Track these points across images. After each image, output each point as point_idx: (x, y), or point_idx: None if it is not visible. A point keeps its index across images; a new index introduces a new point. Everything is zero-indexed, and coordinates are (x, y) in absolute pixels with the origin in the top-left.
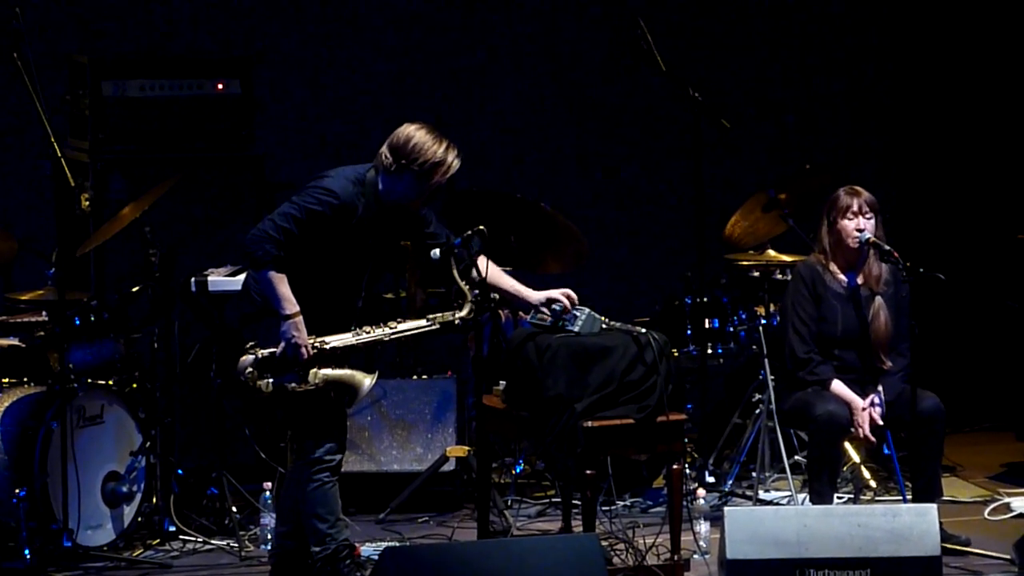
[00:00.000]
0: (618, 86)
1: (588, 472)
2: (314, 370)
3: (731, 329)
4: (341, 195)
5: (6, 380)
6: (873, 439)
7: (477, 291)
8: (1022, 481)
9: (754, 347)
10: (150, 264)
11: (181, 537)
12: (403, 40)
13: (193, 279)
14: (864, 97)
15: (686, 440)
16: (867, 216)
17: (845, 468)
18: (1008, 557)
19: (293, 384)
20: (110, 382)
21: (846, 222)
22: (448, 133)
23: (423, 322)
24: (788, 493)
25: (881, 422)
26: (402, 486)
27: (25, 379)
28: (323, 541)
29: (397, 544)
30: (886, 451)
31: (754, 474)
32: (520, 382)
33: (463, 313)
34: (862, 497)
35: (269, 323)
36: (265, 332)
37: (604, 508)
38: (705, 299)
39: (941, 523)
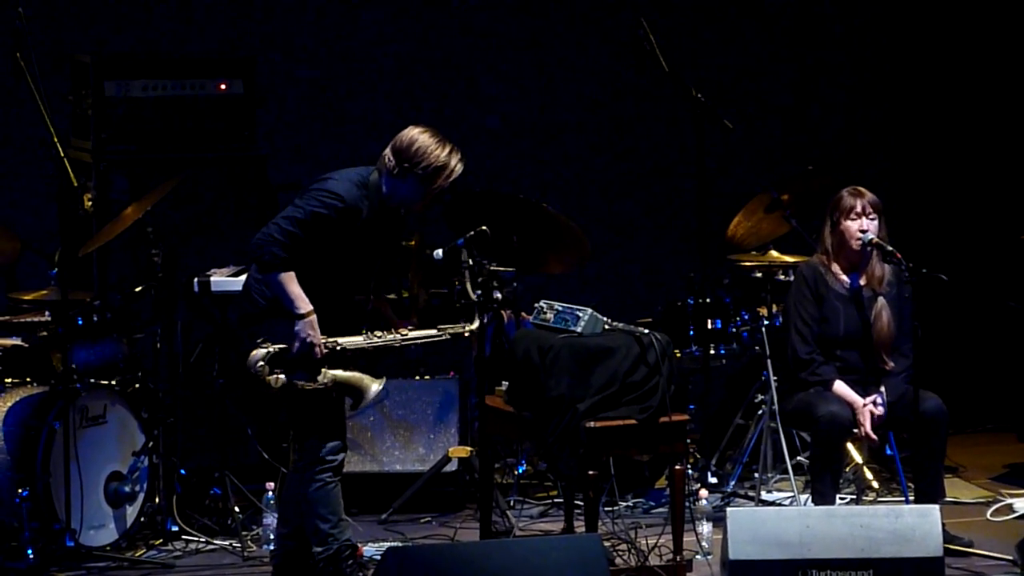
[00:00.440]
0: (621, 86)
1: (590, 473)
2: (324, 370)
3: (733, 330)
4: (346, 198)
5: (9, 380)
6: (875, 438)
7: (479, 291)
8: None
9: (756, 348)
10: (153, 264)
11: (184, 537)
12: (405, 40)
13: (196, 279)
14: (867, 98)
15: (688, 441)
16: (870, 217)
17: (848, 469)
18: (1010, 558)
19: (302, 382)
20: (113, 382)
21: (849, 223)
22: (451, 133)
23: (434, 331)
24: (790, 494)
25: (882, 414)
26: (404, 486)
27: (28, 379)
28: (325, 541)
29: (400, 544)
30: (888, 452)
31: (756, 475)
32: (522, 382)
33: (474, 326)
34: (864, 498)
35: (269, 324)
36: (265, 334)
37: (606, 509)
38: (708, 300)
39: (944, 524)
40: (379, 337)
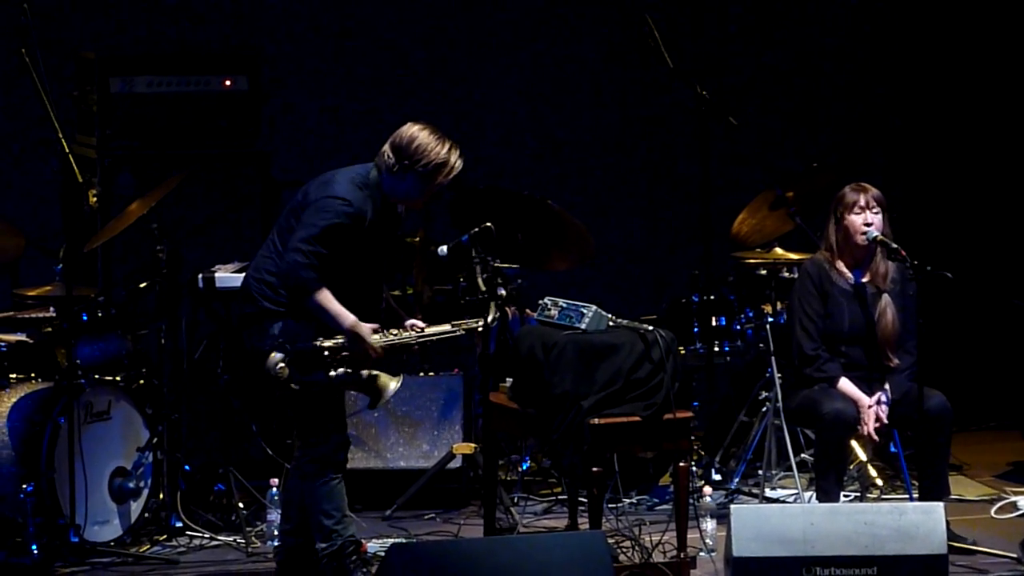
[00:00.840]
0: (625, 83)
1: (594, 469)
2: (343, 370)
3: (738, 327)
4: (354, 201)
5: (13, 376)
6: (876, 438)
7: (484, 288)
8: None
9: (761, 345)
10: (157, 260)
11: (188, 533)
12: (409, 36)
13: (200, 275)
14: (872, 95)
15: (692, 438)
16: (874, 211)
17: (852, 466)
18: (1014, 555)
19: (323, 380)
20: (117, 378)
21: (853, 217)
22: (454, 129)
23: (448, 327)
24: (795, 491)
25: (886, 420)
26: (408, 483)
27: (32, 375)
28: (329, 537)
29: (403, 541)
30: (893, 449)
31: (760, 472)
32: (527, 379)
33: (489, 319)
34: (868, 495)
35: (275, 326)
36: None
37: (610, 505)
38: (712, 297)
39: (948, 521)
40: (395, 335)
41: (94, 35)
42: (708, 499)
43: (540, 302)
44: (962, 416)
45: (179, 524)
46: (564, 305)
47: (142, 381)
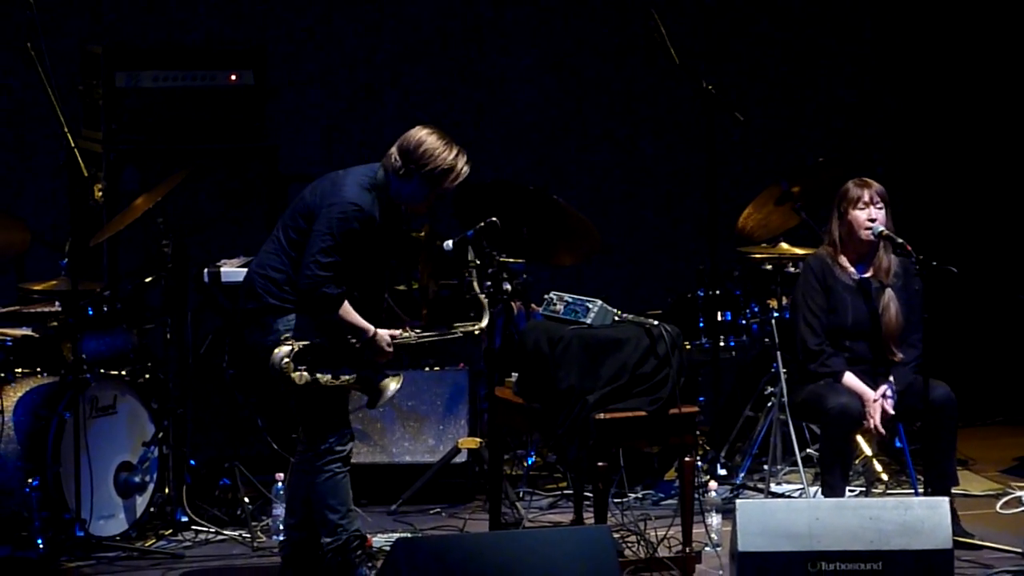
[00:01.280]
0: (631, 78)
1: (600, 464)
2: (348, 368)
3: (743, 322)
4: (364, 206)
5: (19, 370)
6: (883, 431)
7: (489, 283)
8: None
9: (766, 340)
10: (163, 255)
11: (193, 527)
12: (415, 30)
13: (206, 270)
14: (877, 89)
15: (698, 433)
16: (878, 207)
17: (857, 461)
18: (1020, 550)
19: (328, 377)
20: (123, 372)
21: (857, 212)
22: (460, 124)
23: (436, 334)
24: (800, 486)
25: (892, 412)
26: (414, 477)
27: (38, 369)
28: (334, 532)
29: (409, 535)
30: (898, 444)
31: (766, 467)
32: (532, 374)
33: (484, 324)
34: (874, 490)
35: (272, 319)
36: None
37: (616, 500)
38: (717, 292)
39: (955, 515)
40: (398, 336)
41: (100, 30)
42: (713, 494)
43: (546, 297)
44: (968, 411)
45: (184, 519)
46: (570, 300)
47: (148, 375)
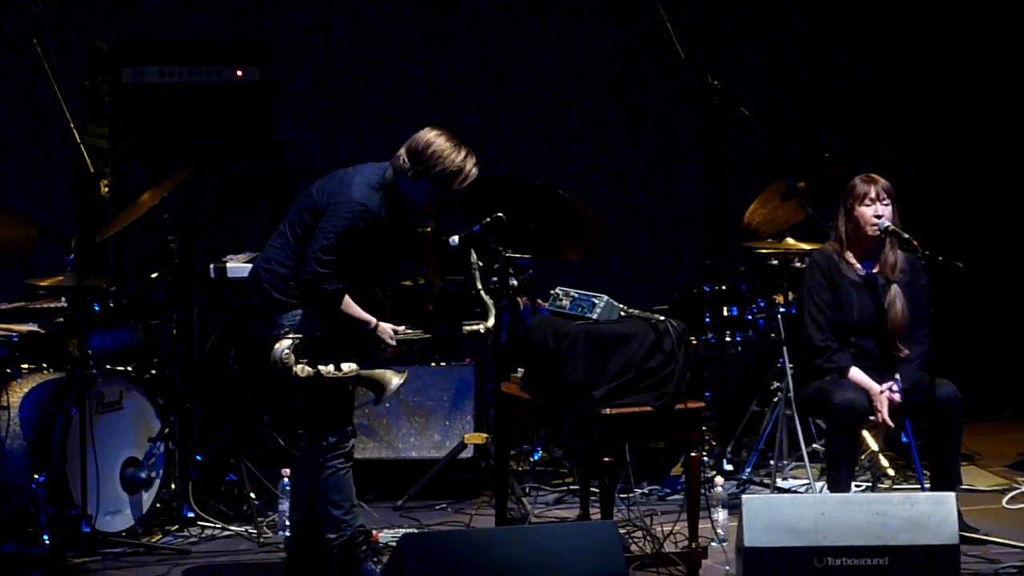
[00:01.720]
0: (637, 73)
1: (606, 460)
2: (351, 364)
3: (749, 317)
4: (371, 206)
5: (25, 366)
6: (891, 424)
7: (495, 278)
8: None
9: (772, 335)
10: (169, 250)
11: (199, 523)
12: (422, 25)
13: (212, 265)
14: (883, 84)
15: (704, 428)
16: (884, 203)
17: (863, 456)
18: None
19: (331, 369)
20: (129, 368)
21: (863, 209)
22: (466, 120)
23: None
24: (806, 481)
25: (900, 401)
26: (420, 473)
27: (44, 365)
28: (339, 527)
29: (415, 531)
30: (904, 439)
31: (772, 462)
32: (538, 369)
33: (490, 323)
34: (880, 485)
35: (277, 314)
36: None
37: (622, 495)
38: (723, 287)
39: (960, 510)
40: (402, 332)
41: (106, 25)
42: (720, 489)
43: (552, 292)
44: (974, 406)
45: (191, 514)
46: (576, 295)
47: (154, 371)
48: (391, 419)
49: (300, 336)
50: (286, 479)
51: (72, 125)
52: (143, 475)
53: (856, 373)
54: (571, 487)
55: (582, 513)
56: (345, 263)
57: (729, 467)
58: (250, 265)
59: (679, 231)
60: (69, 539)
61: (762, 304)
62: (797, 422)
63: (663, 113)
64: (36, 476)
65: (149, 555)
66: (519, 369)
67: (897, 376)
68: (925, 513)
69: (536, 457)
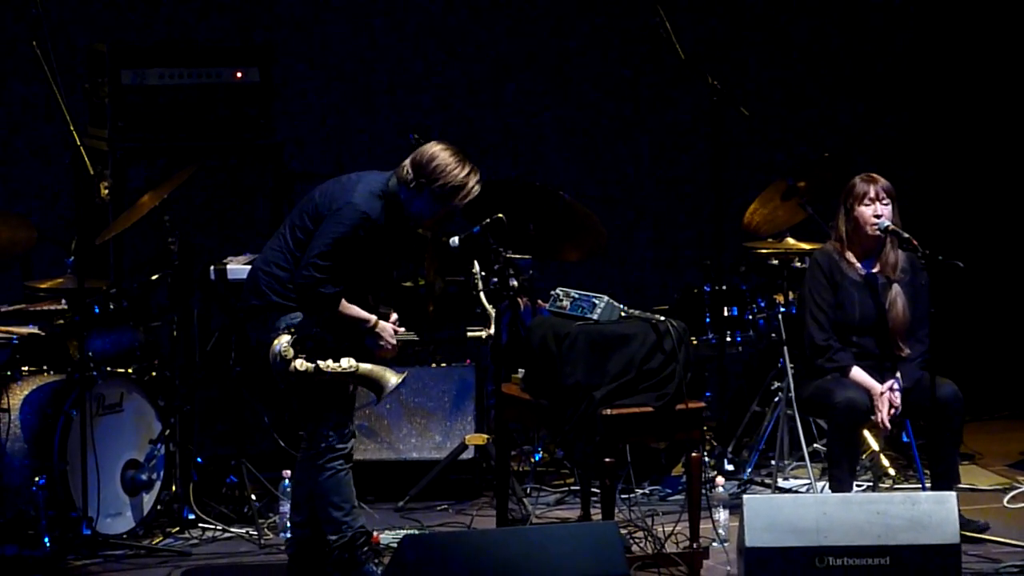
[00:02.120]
0: (637, 73)
1: (607, 460)
2: (349, 359)
3: (750, 317)
4: (371, 213)
5: (26, 368)
6: (889, 426)
7: (496, 279)
8: None
9: (773, 335)
10: (169, 252)
11: (200, 525)
12: (421, 28)
13: (212, 267)
14: (883, 84)
15: (705, 428)
16: (884, 202)
17: (864, 456)
18: None
19: (330, 363)
20: (129, 370)
21: (863, 208)
22: (466, 121)
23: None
24: (807, 481)
25: (899, 405)
26: (421, 474)
27: (45, 367)
28: (339, 529)
29: (416, 532)
30: (905, 439)
31: (773, 462)
32: (539, 370)
33: (492, 330)
34: (881, 485)
35: (276, 317)
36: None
37: (623, 496)
38: (724, 287)
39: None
40: (403, 331)
41: (105, 27)
42: (721, 489)
43: (552, 293)
44: (975, 405)
45: (191, 516)
46: (576, 296)
47: (154, 373)
48: (392, 420)
49: (298, 331)
50: (287, 481)
51: (72, 127)
52: (144, 477)
53: (857, 372)
54: (572, 488)
55: (583, 514)
56: (343, 268)
57: (730, 467)
58: (250, 267)
59: (680, 231)
60: (70, 541)
61: (763, 304)
62: (798, 422)
63: (663, 113)
64: (37, 478)
65: (150, 557)
66: (520, 370)
67: (898, 375)
68: (926, 513)
69: (537, 458)
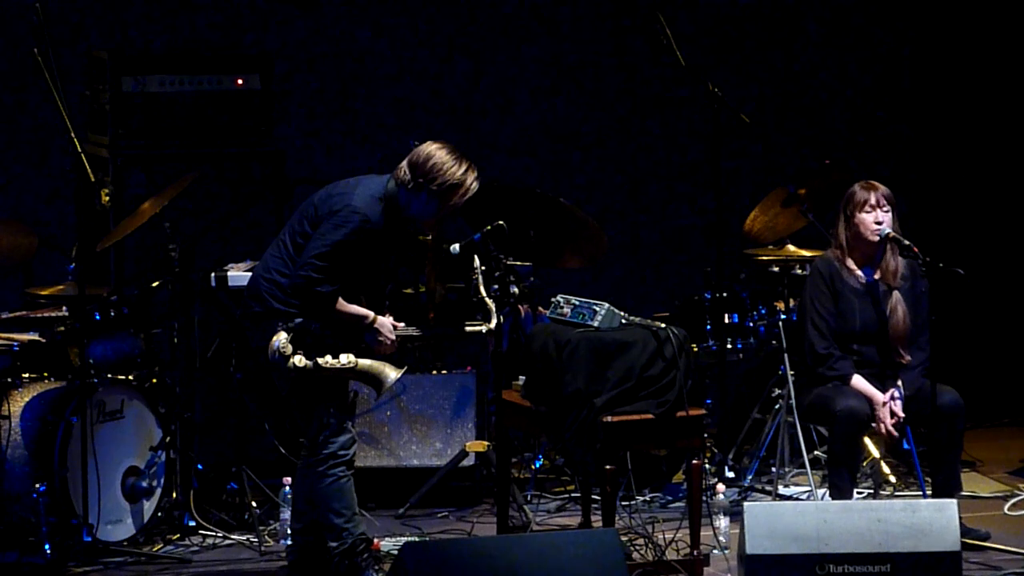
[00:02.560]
0: (637, 81)
1: (607, 467)
2: (348, 354)
3: (751, 324)
4: (371, 216)
5: (26, 375)
6: (896, 434)
7: (497, 286)
8: None
9: (774, 342)
10: (170, 259)
11: (201, 532)
12: (422, 34)
13: (213, 274)
14: (883, 92)
15: (705, 435)
16: (884, 209)
17: (865, 463)
18: None
19: (328, 358)
20: (130, 377)
21: (863, 215)
22: (467, 127)
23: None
24: (808, 488)
25: (902, 415)
26: (421, 481)
27: (45, 374)
28: (340, 536)
29: (416, 539)
30: (905, 446)
31: (774, 469)
32: (539, 377)
33: (492, 325)
34: (882, 492)
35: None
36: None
37: (623, 503)
38: (724, 294)
39: (960, 518)
40: (404, 327)
41: (106, 34)
42: (721, 496)
43: (553, 300)
44: (976, 413)
45: (192, 523)
46: (577, 303)
47: (155, 380)
48: (392, 427)
49: (296, 326)
50: (288, 487)
51: (73, 134)
52: (144, 484)
53: (858, 380)
54: (573, 495)
55: (584, 521)
56: (340, 270)
57: (731, 474)
58: (250, 274)
59: (680, 238)
60: (70, 549)
61: (763, 311)
62: (799, 429)
63: (663, 120)
64: (37, 485)
65: (150, 564)
66: (520, 377)
67: (899, 383)
68: (927, 520)
69: (537, 465)
